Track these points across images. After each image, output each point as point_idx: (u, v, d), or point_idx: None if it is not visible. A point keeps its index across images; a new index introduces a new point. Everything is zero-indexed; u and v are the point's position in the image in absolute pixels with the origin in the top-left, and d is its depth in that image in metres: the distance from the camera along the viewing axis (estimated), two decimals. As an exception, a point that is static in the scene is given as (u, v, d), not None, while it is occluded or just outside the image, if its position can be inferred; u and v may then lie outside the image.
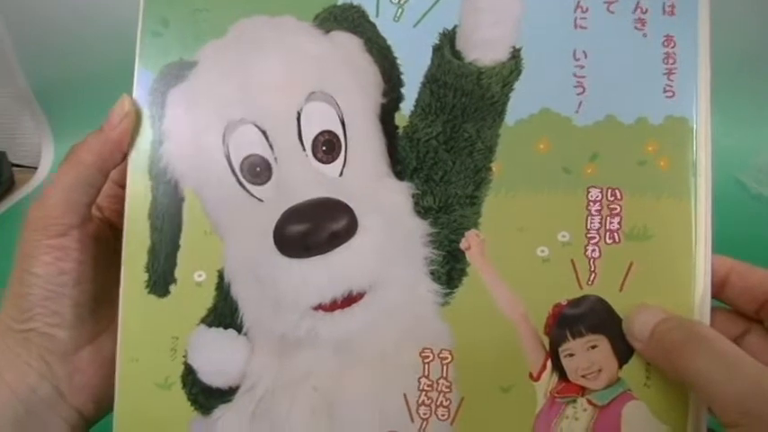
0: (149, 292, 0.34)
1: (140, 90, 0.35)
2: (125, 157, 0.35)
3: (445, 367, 0.33)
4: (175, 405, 0.34)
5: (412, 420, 0.33)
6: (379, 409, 0.33)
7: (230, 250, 0.34)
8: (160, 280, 0.34)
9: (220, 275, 0.34)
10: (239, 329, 0.34)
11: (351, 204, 0.33)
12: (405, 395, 0.33)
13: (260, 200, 0.34)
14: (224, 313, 0.34)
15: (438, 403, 0.33)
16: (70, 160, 0.34)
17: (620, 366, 0.33)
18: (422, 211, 0.33)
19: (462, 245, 0.33)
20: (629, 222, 0.33)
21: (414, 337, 0.33)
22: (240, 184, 0.34)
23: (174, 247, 0.34)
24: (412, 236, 0.33)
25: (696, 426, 0.32)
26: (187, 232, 0.34)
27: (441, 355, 0.33)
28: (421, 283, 0.33)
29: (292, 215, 0.33)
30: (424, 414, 0.33)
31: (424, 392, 0.33)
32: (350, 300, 0.33)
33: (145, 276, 0.34)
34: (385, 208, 0.34)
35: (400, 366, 0.33)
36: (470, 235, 0.33)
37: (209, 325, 0.34)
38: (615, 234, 0.33)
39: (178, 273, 0.34)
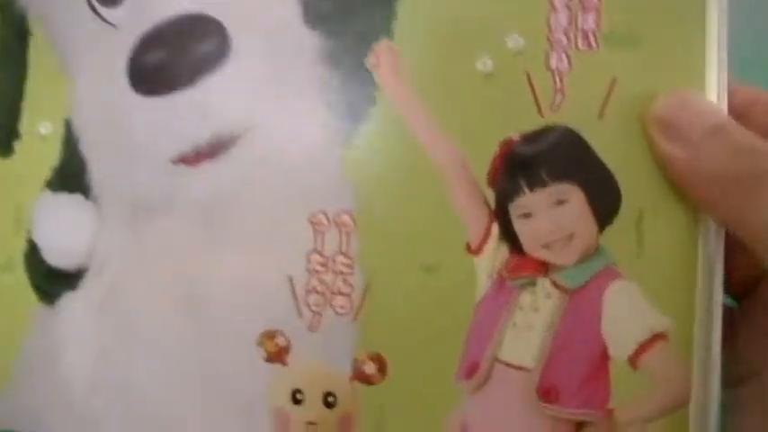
0: None
1: None
2: None
3: (345, 238, 0.23)
4: (18, 292, 0.27)
5: (299, 314, 0.23)
6: (258, 298, 0.24)
7: (79, 93, 0.26)
8: (3, 135, 0.27)
9: (68, 126, 0.26)
10: (87, 194, 0.26)
11: (222, 20, 0.24)
12: (290, 279, 0.24)
13: (113, 25, 0.26)
14: (70, 174, 0.26)
15: (335, 290, 0.23)
16: None
17: (601, 230, 0.22)
18: (315, 19, 0.24)
19: (369, 61, 0.23)
20: (610, 20, 0.22)
21: (302, 195, 0.24)
22: (90, 5, 0.26)
23: (18, 93, 0.27)
24: (302, 54, 0.24)
25: (707, 314, 0.21)
26: (33, 75, 0.27)
27: (339, 221, 0.23)
28: (313, 120, 0.24)
29: (149, 40, 0.25)
30: (316, 306, 0.23)
31: (315, 275, 0.23)
32: (219, 147, 0.24)
33: (-15, 133, 0.27)
34: (267, 20, 0.24)
35: (283, 238, 0.24)
36: (380, 47, 0.23)
37: (54, 189, 0.26)
38: (590, 36, 0.22)
39: (22, 125, 0.27)
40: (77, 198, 0.26)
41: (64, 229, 0.26)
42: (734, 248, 0.22)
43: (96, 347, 0.26)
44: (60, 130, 0.26)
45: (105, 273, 0.26)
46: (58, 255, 0.26)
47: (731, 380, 0.24)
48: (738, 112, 0.22)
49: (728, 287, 0.23)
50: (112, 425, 0.25)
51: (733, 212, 0.20)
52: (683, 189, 0.21)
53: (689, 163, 0.21)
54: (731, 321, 0.24)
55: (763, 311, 0.23)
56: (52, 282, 0.26)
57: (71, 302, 0.26)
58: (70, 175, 0.26)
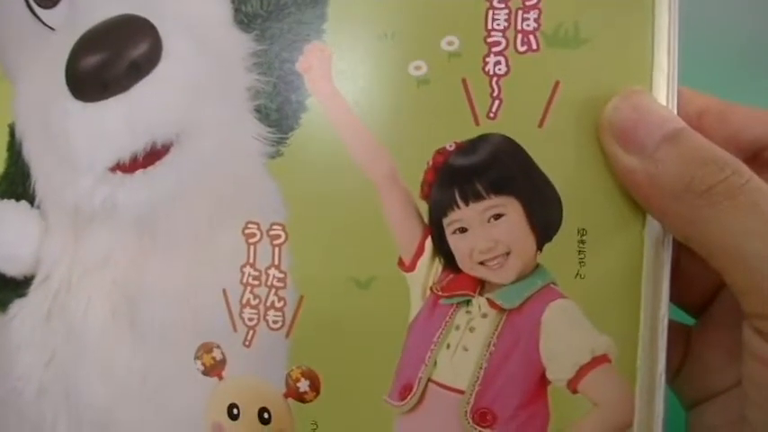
0: None
1: None
2: None
3: (277, 250, 0.23)
4: None
5: (234, 329, 0.23)
6: (193, 311, 0.23)
7: (20, 98, 0.26)
8: None
9: (12, 132, 0.26)
10: (32, 201, 0.26)
11: (153, 20, 0.23)
12: (225, 292, 0.23)
13: (51, 28, 0.25)
14: (15, 181, 0.26)
15: (268, 304, 0.23)
16: None
17: (540, 247, 0.20)
18: (245, 20, 0.23)
19: (299, 65, 0.22)
20: (553, 19, 0.20)
21: (234, 206, 0.23)
22: (29, 7, 0.25)
23: (-38, 99, 0.27)
24: (230, 58, 0.23)
25: (651, 333, 0.20)
26: (-23, 79, 0.27)
27: (270, 233, 0.23)
28: (243, 127, 0.23)
29: (85, 44, 0.24)
30: (251, 320, 0.23)
31: (249, 288, 0.23)
32: (153, 155, 0.23)
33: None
34: (196, 21, 0.23)
35: (217, 250, 0.23)
36: (311, 50, 0.22)
37: (1, 197, 0.26)
38: (530, 37, 0.20)
39: (-33, 132, 0.27)
40: (23, 205, 0.26)
41: (10, 236, 0.26)
42: (689, 260, 0.20)
43: (45, 353, 0.26)
44: (5, 136, 0.26)
45: (51, 280, 0.25)
46: (5, 262, 0.26)
47: (693, 400, 0.23)
48: (690, 120, 0.20)
49: (684, 301, 0.22)
50: (60, 429, 0.26)
51: (690, 224, 0.19)
52: (638, 201, 0.20)
53: (645, 173, 0.19)
54: (687, 340, 0.22)
55: (720, 325, 0.22)
56: (2, 289, 0.26)
57: (21, 309, 0.26)
58: (16, 182, 0.26)
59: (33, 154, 0.26)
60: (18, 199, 0.26)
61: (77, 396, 0.25)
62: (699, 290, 0.22)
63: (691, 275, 0.22)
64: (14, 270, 0.26)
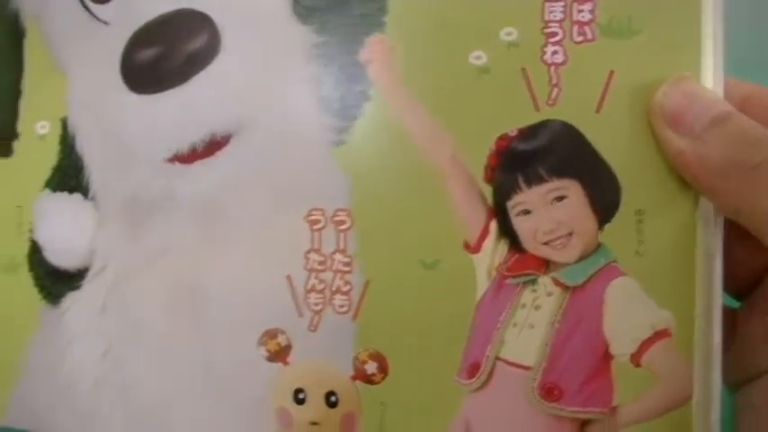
0: None
1: None
2: None
3: (342, 236, 0.23)
4: (22, 292, 0.27)
5: (300, 314, 0.23)
6: (256, 298, 0.24)
7: (74, 91, 0.26)
8: (1, 136, 0.27)
9: (65, 125, 0.26)
10: (86, 194, 0.26)
11: (211, 14, 0.24)
12: (289, 278, 0.23)
13: (105, 22, 0.26)
14: (69, 173, 0.26)
15: (334, 289, 0.23)
16: None
17: (601, 226, 0.21)
18: (304, 12, 0.23)
19: (362, 56, 0.23)
20: (607, 11, 0.21)
21: (297, 193, 0.24)
22: (82, 2, 0.26)
23: (16, 93, 0.27)
24: (290, 50, 0.23)
25: (707, 309, 0.21)
26: (29, 74, 0.27)
27: (335, 219, 0.23)
28: (305, 117, 0.23)
29: (140, 38, 0.25)
30: (316, 305, 0.23)
31: (314, 273, 0.23)
32: (212, 146, 0.24)
33: (-17, 135, 0.27)
34: (256, 15, 0.24)
35: (281, 237, 0.24)
36: (373, 41, 0.23)
37: (54, 189, 0.26)
38: (586, 28, 0.21)
39: (20, 125, 0.27)
40: (76, 197, 0.26)
41: (64, 228, 0.26)
42: (737, 243, 0.21)
43: (100, 346, 0.26)
44: (58, 129, 0.26)
45: (106, 272, 0.26)
46: (59, 255, 0.26)
47: (738, 381, 0.23)
48: (735, 106, 0.21)
49: (731, 285, 0.23)
50: (116, 422, 0.26)
51: (739, 201, 0.20)
52: (689, 180, 0.21)
53: (694, 154, 0.20)
54: (733, 323, 0.23)
55: (766, 307, 0.23)
56: (55, 281, 0.26)
57: (75, 302, 0.26)
58: (69, 175, 0.26)
59: (87, 146, 0.26)
60: (71, 191, 0.26)
61: (134, 388, 0.25)
62: (745, 273, 0.23)
63: (737, 260, 0.22)
64: (68, 263, 0.26)
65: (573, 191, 0.21)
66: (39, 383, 0.27)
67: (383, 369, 0.23)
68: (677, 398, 0.21)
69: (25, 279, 0.27)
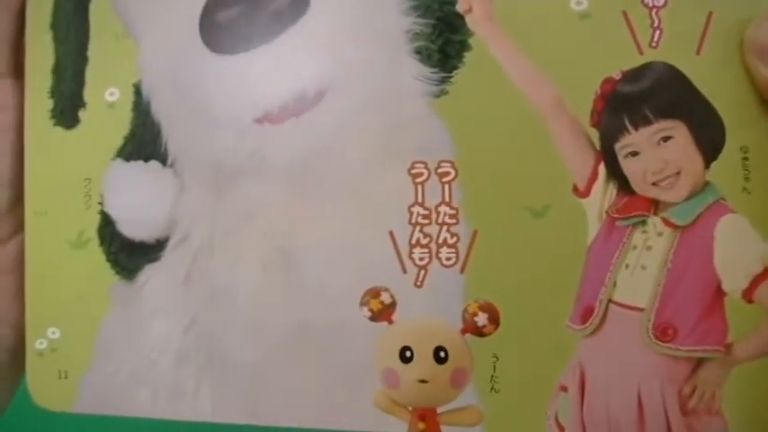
0: (56, 124, 0.26)
1: None
2: None
3: (446, 187, 0.23)
4: (93, 267, 0.26)
5: (404, 270, 0.23)
6: (356, 257, 0.23)
7: (147, 55, 0.25)
8: (68, 105, 0.26)
9: (137, 91, 0.25)
10: (164, 161, 0.25)
11: (300, -30, 0.23)
12: (391, 233, 0.23)
13: (181, -20, 0.25)
14: (144, 141, 0.25)
15: (440, 242, 0.23)
16: None
17: (707, 165, 0.21)
18: (399, -34, 0.23)
19: (460, 6, 0.23)
20: None
21: (397, 147, 0.23)
22: (154, -37, 0.25)
23: (82, 60, 0.26)
24: (383, 3, 0.23)
25: None
26: (95, 40, 0.26)
27: (439, 170, 0.23)
28: (403, 69, 0.23)
29: None
30: (422, 259, 0.23)
31: (418, 227, 0.23)
32: (305, 103, 0.23)
33: (50, 104, 0.26)
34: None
35: (381, 192, 0.23)
36: (473, -8, 0.23)
37: (127, 158, 0.25)
38: (686, -30, 0.22)
39: (87, 93, 0.26)
40: (154, 165, 0.25)
41: (141, 198, 0.25)
42: None
43: (184, 318, 0.25)
44: (129, 96, 0.25)
45: (190, 241, 0.25)
46: (136, 226, 0.25)
47: None
48: None
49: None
50: (203, 398, 0.25)
51: None
52: None
53: None
54: None
55: None
56: (130, 255, 0.25)
57: (154, 275, 0.25)
58: (144, 142, 0.25)
59: (165, 111, 0.25)
60: (146, 160, 0.25)
61: (223, 359, 0.24)
62: None
63: None
64: (145, 234, 0.25)
65: (679, 131, 0.22)
66: (113, 365, 0.25)
67: (494, 320, 0.22)
68: (790, 333, 0.21)
69: (96, 254, 0.26)
